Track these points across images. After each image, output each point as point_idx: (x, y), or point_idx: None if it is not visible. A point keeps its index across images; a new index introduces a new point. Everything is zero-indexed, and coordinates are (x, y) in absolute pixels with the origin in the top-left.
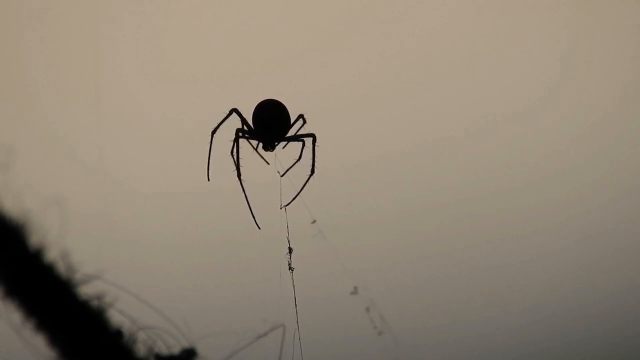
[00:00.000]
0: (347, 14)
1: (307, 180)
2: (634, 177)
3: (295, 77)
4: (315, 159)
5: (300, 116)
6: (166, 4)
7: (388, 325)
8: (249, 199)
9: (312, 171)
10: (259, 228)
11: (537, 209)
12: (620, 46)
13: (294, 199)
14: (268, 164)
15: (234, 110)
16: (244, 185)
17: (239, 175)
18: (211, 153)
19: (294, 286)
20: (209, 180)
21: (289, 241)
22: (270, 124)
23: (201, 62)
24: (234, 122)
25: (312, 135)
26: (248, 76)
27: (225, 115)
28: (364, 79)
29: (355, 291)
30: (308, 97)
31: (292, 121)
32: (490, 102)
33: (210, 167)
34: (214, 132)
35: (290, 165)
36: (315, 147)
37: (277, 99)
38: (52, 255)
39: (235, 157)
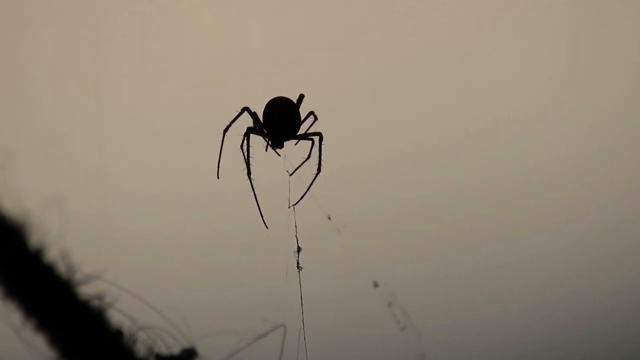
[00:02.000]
0: (358, 13)
1: (314, 180)
2: (634, 177)
3: (308, 76)
4: (322, 158)
5: (311, 113)
6: (172, 1)
7: (411, 321)
8: (257, 198)
9: (319, 170)
10: (267, 227)
11: (537, 209)
12: (622, 48)
13: (301, 198)
14: (279, 155)
15: (245, 108)
16: (253, 184)
17: (249, 173)
18: (222, 151)
19: (300, 285)
20: (218, 178)
21: (297, 240)
22: (279, 122)
23: (209, 61)
24: (247, 121)
25: (319, 134)
26: (259, 74)
27: (237, 113)
28: (376, 78)
29: (376, 284)
30: (320, 96)
31: (302, 118)
32: (494, 103)
33: (220, 166)
34: (225, 130)
35: (299, 164)
36: (322, 146)
37: (287, 97)
38: (52, 255)
39: (245, 154)
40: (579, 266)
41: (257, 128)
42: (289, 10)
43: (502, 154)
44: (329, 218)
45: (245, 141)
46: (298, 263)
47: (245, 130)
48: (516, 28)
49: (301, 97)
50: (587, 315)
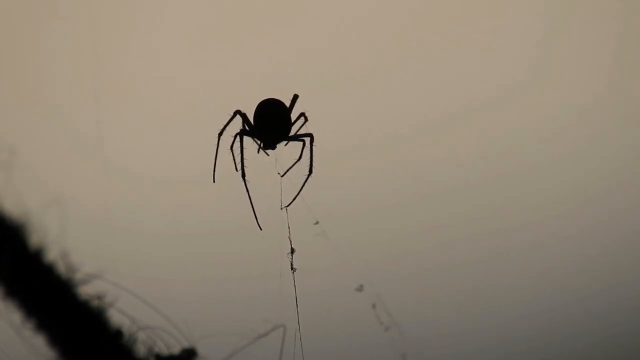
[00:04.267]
0: (345, 12)
1: (306, 181)
2: (635, 176)
3: (300, 76)
4: (314, 159)
5: (302, 114)
6: (166, 4)
7: (395, 321)
8: (252, 200)
9: (310, 171)
10: (261, 229)
11: (537, 208)
12: (605, 34)
13: (294, 199)
14: (268, 155)
15: (238, 112)
16: (247, 186)
17: (243, 175)
18: (217, 155)
19: (295, 286)
20: (214, 182)
21: (290, 241)
22: (269, 125)
23: (210, 60)
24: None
25: (310, 135)
26: (252, 76)
27: (229, 117)
28: (366, 79)
29: (360, 288)
30: (311, 96)
31: (293, 120)
32: (491, 99)
33: (216, 170)
34: (220, 134)
35: (290, 165)
36: (314, 146)
37: (277, 98)
38: (52, 255)
39: (239, 156)
40: (579, 266)
41: (247, 130)
42: (284, 12)
43: (500, 150)
44: (317, 223)
45: (238, 143)
46: (292, 264)
47: (237, 131)
48: (498, 15)
49: (295, 97)
50: (587, 315)
